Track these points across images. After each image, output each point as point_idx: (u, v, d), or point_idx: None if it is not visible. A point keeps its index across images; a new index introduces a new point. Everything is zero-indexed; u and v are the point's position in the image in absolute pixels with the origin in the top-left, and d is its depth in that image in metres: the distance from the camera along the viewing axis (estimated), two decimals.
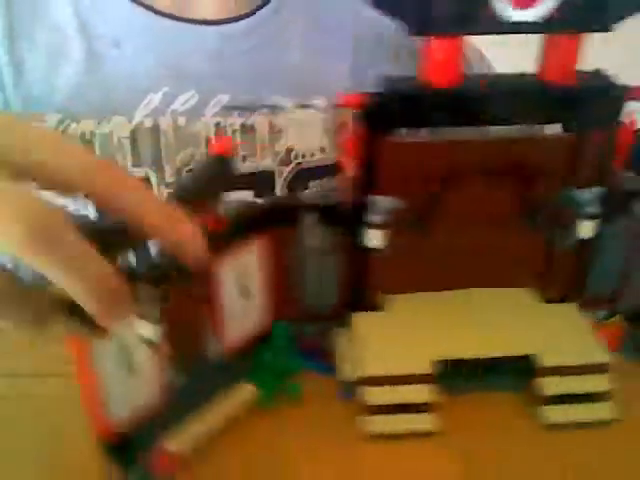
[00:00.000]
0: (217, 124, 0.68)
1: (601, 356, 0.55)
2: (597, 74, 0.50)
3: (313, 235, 0.53)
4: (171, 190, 0.47)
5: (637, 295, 0.61)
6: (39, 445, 0.53)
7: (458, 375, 0.57)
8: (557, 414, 0.54)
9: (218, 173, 0.49)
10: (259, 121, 0.69)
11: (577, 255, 0.58)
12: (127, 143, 0.65)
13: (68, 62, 0.65)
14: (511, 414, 0.56)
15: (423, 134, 0.51)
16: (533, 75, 0.50)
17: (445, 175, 0.53)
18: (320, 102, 0.48)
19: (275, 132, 0.69)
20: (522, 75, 0.50)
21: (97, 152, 0.65)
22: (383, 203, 0.51)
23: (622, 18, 0.46)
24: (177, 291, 0.51)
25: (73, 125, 0.65)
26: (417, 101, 0.48)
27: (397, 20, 0.44)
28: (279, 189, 0.71)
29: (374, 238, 0.53)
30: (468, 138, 0.52)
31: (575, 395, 0.54)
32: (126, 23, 0.67)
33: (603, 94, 0.50)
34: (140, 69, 0.66)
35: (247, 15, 0.69)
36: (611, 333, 0.61)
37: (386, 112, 0.49)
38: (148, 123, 0.66)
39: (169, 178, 0.67)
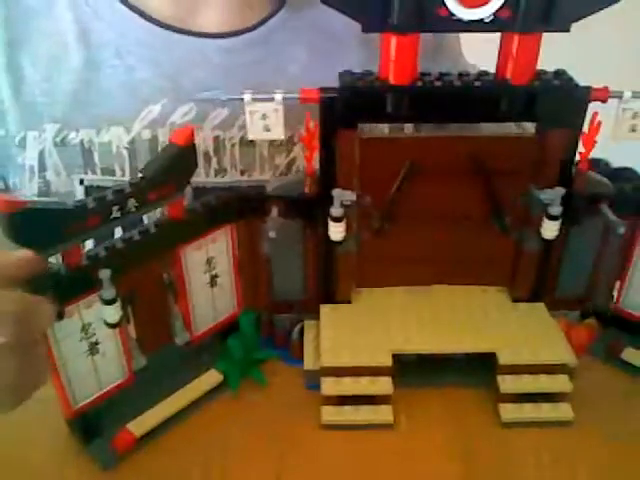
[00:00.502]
0: (216, 137, 0.67)
1: (562, 356, 0.55)
2: (559, 74, 0.50)
3: (278, 226, 0.54)
4: (134, 179, 0.48)
5: (606, 296, 0.61)
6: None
7: (420, 369, 0.58)
8: (512, 412, 0.54)
9: (178, 162, 0.50)
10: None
11: (544, 255, 0.58)
12: (126, 153, 0.66)
13: (68, 71, 0.65)
14: (471, 410, 0.56)
15: (385, 130, 0.52)
16: (493, 74, 0.50)
17: (406, 171, 0.53)
18: (280, 95, 0.48)
19: (276, 146, 0.68)
20: (483, 74, 0.50)
21: (97, 161, 0.65)
22: (343, 197, 0.52)
23: (578, 18, 0.46)
24: (144, 277, 0.53)
25: (72, 134, 0.65)
26: (374, 97, 0.49)
27: (350, 18, 0.45)
28: None
29: (336, 231, 0.54)
30: (428, 135, 0.52)
31: (533, 394, 0.55)
32: (127, 33, 0.66)
33: (564, 94, 0.50)
34: (140, 80, 0.66)
35: (248, 30, 0.69)
36: (583, 334, 0.61)
37: (344, 107, 0.49)
38: (147, 134, 0.66)
39: None
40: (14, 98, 0.64)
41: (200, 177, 0.66)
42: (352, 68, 0.51)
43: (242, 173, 0.68)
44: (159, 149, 0.66)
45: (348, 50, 0.70)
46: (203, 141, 0.66)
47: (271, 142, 0.68)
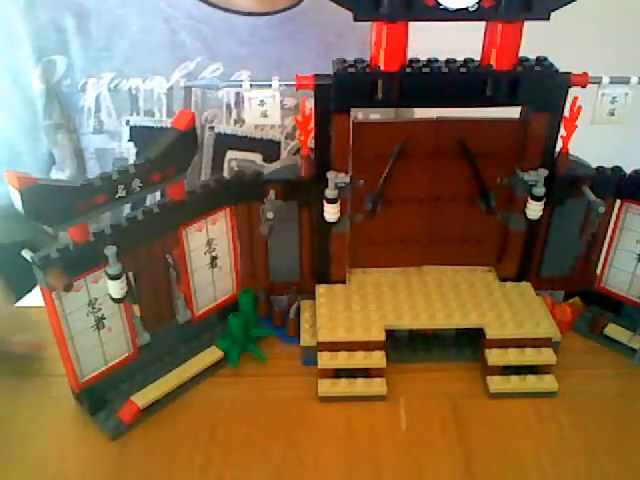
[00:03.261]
0: (237, 92, 0.79)
1: (547, 331, 0.58)
2: (540, 61, 0.53)
3: (275, 208, 0.56)
4: (138, 161, 0.51)
5: (590, 276, 0.63)
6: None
7: (411, 345, 0.60)
8: (499, 383, 0.57)
9: (179, 146, 0.53)
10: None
11: (530, 236, 0.61)
12: (164, 98, 0.78)
13: (126, 33, 0.79)
14: (461, 382, 0.59)
15: (375, 115, 0.54)
16: (478, 61, 0.53)
17: (396, 154, 0.56)
18: (277, 83, 0.51)
19: (286, 110, 0.78)
20: (469, 60, 0.53)
21: (141, 105, 0.78)
22: (337, 179, 0.55)
23: (558, 6, 0.49)
24: (148, 256, 0.55)
25: (123, 82, 0.78)
26: (366, 83, 0.52)
27: (343, 6, 0.48)
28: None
29: (330, 212, 0.56)
30: (417, 119, 0.55)
31: (519, 367, 0.57)
32: (175, 4, 0.80)
33: (545, 80, 0.53)
34: (180, 41, 0.79)
35: (275, 12, 0.82)
36: (567, 312, 0.64)
37: (337, 93, 0.52)
38: (182, 84, 0.78)
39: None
40: (82, 53, 0.78)
41: (222, 125, 0.79)
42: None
43: (255, 127, 0.80)
44: (192, 97, 0.78)
45: (353, 49, 0.76)
46: (227, 93, 0.80)
47: (281, 105, 0.74)
